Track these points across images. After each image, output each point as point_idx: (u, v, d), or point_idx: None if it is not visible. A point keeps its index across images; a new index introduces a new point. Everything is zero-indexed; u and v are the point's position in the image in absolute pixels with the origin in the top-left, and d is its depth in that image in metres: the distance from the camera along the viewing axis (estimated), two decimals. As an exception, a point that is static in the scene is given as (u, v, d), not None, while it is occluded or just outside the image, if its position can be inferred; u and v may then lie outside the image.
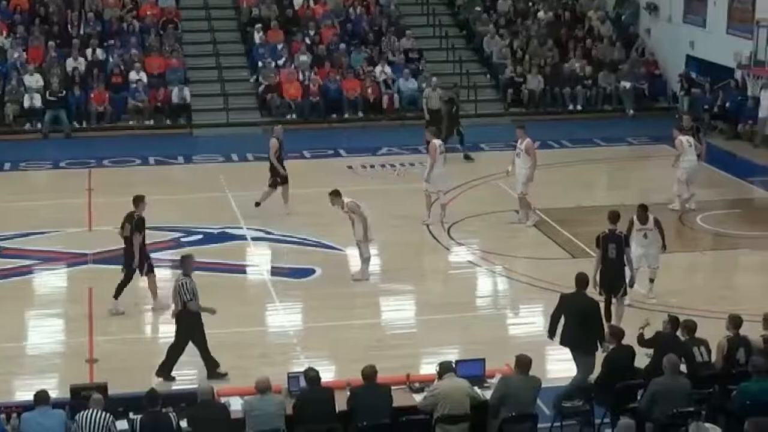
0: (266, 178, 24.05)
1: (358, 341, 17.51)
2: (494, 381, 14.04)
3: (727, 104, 31.56)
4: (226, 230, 22.99)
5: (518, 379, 13.50)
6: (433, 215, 23.36)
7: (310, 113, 32.68)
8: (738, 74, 31.24)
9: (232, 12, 36.79)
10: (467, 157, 28.65)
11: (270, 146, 24.17)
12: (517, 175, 23.17)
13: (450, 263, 21.97)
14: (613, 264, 17.68)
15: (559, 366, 16.42)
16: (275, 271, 21.01)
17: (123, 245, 18.83)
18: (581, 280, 15.60)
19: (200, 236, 22.57)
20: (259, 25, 34.71)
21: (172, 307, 16.37)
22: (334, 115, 32.90)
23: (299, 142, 30.27)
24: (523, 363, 13.50)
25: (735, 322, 14.69)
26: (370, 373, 13.39)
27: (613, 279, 17.66)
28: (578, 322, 15.10)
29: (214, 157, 29.21)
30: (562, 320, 15.33)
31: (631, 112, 33.84)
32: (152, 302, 19.00)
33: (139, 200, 18.74)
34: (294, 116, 32.53)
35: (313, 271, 20.81)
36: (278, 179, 23.96)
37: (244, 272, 21.07)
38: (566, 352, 15.59)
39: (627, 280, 17.86)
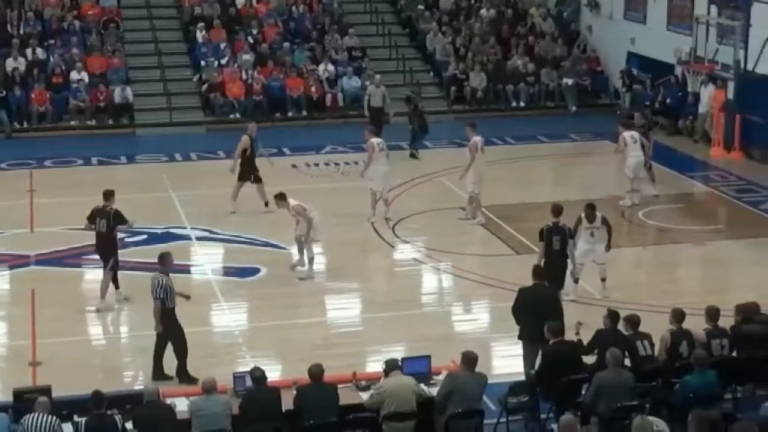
0: (210, 176, 23.96)
1: (304, 340, 17.50)
2: (440, 378, 14.07)
3: (668, 100, 31.86)
4: (171, 230, 22.86)
5: (464, 376, 13.55)
6: (378, 213, 23.38)
7: (253, 112, 32.55)
8: (678, 70, 31.52)
9: (174, 11, 36.59)
10: (413, 156, 28.70)
11: (240, 142, 24.03)
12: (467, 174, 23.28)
13: (395, 261, 22.00)
14: (557, 256, 17.94)
15: (504, 362, 16.54)
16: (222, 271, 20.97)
17: (93, 241, 18.98)
18: (535, 271, 15.80)
19: (144, 236, 22.41)
20: (201, 24, 34.56)
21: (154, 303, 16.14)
22: (278, 114, 32.82)
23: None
24: (469, 359, 13.55)
25: (678, 316, 14.84)
26: (316, 372, 13.38)
27: (557, 271, 17.85)
28: (539, 313, 15.14)
29: (157, 156, 29.05)
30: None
31: (574, 108, 34.07)
32: (98, 302, 18.87)
33: (110, 194, 18.81)
34: (237, 115, 32.41)
35: (258, 271, 20.77)
36: (253, 176, 23.89)
37: (189, 272, 20.97)
38: (512, 348, 15.68)
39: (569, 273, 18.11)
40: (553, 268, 17.71)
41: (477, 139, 23.41)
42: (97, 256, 19.33)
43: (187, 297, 16.53)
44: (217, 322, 18.83)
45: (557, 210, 18.25)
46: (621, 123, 25.19)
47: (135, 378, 16.35)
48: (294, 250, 20.81)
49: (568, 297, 18.74)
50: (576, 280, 18.81)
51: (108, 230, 18.62)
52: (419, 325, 18.34)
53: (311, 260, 20.29)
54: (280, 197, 20.34)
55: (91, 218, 18.79)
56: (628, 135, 24.15)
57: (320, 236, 20.71)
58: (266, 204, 23.47)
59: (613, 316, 14.74)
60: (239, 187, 23.91)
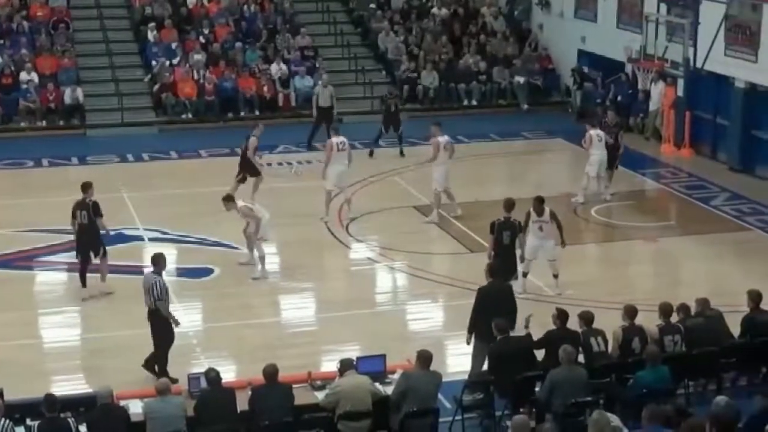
0: (162, 177, 23.84)
1: (259, 340, 17.48)
2: (395, 377, 14.11)
3: (619, 98, 32.05)
4: (123, 231, 22.70)
5: (419, 374, 13.58)
6: (332, 212, 23.40)
7: (205, 112, 32.47)
8: (629, 68, 31.73)
9: (124, 11, 36.37)
10: (371, 154, 28.74)
11: (249, 143, 24.10)
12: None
13: (349, 260, 22.02)
14: (506, 250, 18.19)
15: (459, 360, 16.57)
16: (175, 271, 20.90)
17: (75, 236, 19.30)
18: (492, 269, 15.94)
19: (96, 238, 22.27)
20: (152, 24, 34.37)
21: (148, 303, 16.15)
22: (230, 114, 32.71)
23: (195, 141, 30.17)
24: (424, 358, 13.58)
25: (630, 312, 14.96)
26: (271, 372, 13.37)
27: (507, 265, 18.03)
28: (496, 311, 15.22)
29: (109, 157, 28.85)
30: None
31: (526, 106, 34.21)
32: (100, 285, 19.44)
33: (88, 186, 19.32)
34: (189, 115, 32.31)
35: (211, 271, 20.71)
36: (247, 174, 24.04)
37: (142, 273, 20.79)
38: (467, 346, 15.71)
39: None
40: (503, 262, 17.90)
41: (440, 139, 23.57)
42: (52, 257, 19.30)
43: (177, 322, 16.38)
44: (170, 323, 18.72)
45: (509, 204, 18.51)
46: (588, 121, 25.35)
47: (88, 381, 16.22)
48: (244, 248, 20.84)
49: (517, 292, 18.88)
50: (524, 275, 18.98)
51: (89, 221, 19.05)
52: (374, 324, 18.37)
53: (262, 259, 20.31)
54: (228, 199, 20.46)
55: (73, 213, 19.22)
56: (594, 133, 24.31)
57: (270, 235, 20.69)
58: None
59: (561, 314, 14.82)
60: (258, 183, 24.07)
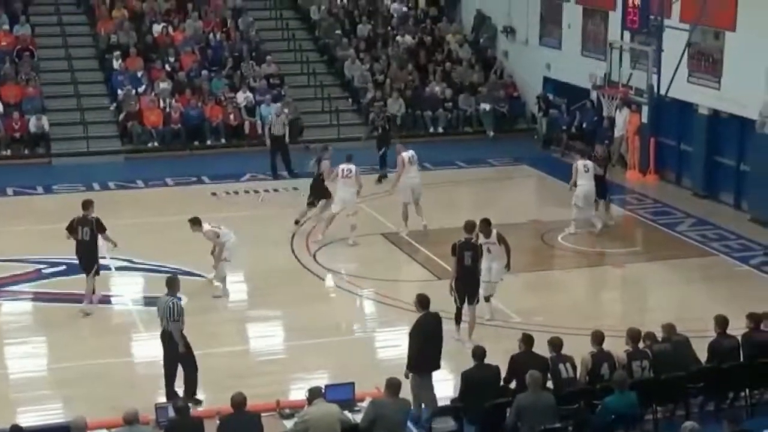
0: (129, 206, 23.76)
1: (227, 369, 17.40)
2: (364, 404, 14.08)
3: (584, 125, 32.27)
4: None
5: (388, 402, 13.56)
6: (300, 239, 23.43)
7: (171, 140, 32.42)
8: (593, 95, 31.95)
9: (89, 39, 36.30)
10: (381, 180, 28.82)
11: (323, 167, 24.35)
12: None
13: (317, 288, 21.97)
14: (468, 271, 18.20)
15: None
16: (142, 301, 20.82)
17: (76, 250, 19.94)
18: (425, 301, 15.75)
19: (63, 267, 22.11)
20: (117, 53, 34.33)
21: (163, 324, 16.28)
22: (197, 142, 32.69)
23: (162, 169, 30.09)
24: (393, 386, 13.57)
25: (598, 338, 15.02)
26: (239, 401, 13.31)
27: (469, 286, 18.21)
28: (428, 343, 15.35)
29: (75, 186, 28.68)
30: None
31: (492, 133, 34.34)
32: (84, 302, 19.90)
33: (89, 204, 20.07)
34: (155, 144, 32.26)
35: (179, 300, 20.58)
36: (316, 200, 24.37)
37: (110, 302, 20.77)
38: (436, 374, 15.70)
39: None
40: (465, 283, 18.11)
41: (404, 154, 24.44)
42: (16, 287, 19.19)
43: (187, 348, 16.41)
44: (138, 353, 18.63)
45: (469, 226, 18.60)
46: (577, 151, 25.47)
47: (55, 411, 16.10)
48: (212, 274, 20.90)
49: (485, 317, 19.01)
50: (486, 299, 19.08)
51: (92, 238, 19.73)
52: (342, 351, 18.33)
53: (223, 279, 20.54)
54: (195, 222, 20.66)
55: (71, 228, 19.86)
56: (581, 164, 24.33)
57: (233, 258, 20.78)
58: (297, 222, 24.54)
59: (526, 340, 14.85)
60: (328, 205, 24.28)
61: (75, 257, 20.73)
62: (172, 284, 16.53)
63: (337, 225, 24.64)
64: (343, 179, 23.66)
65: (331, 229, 24.29)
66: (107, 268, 21.98)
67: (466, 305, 18.32)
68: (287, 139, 29.98)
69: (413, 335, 15.54)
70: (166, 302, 16.16)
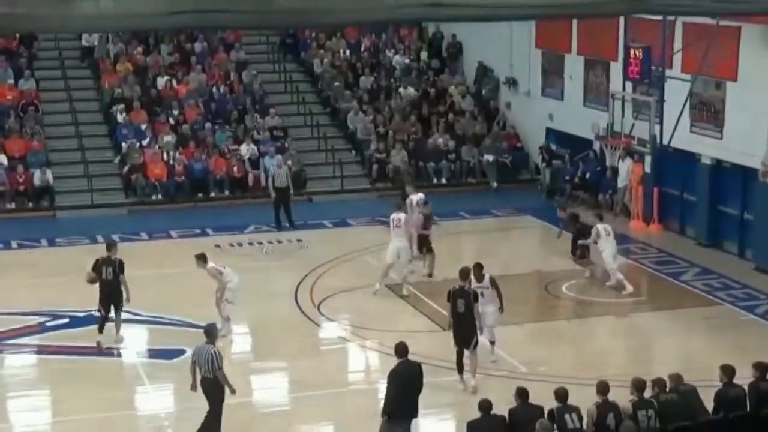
0: (132, 258, 23.74)
1: (232, 421, 17.27)
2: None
3: (587, 175, 32.34)
4: (93, 313, 22.54)
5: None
6: (305, 292, 23.43)
7: (175, 193, 32.49)
8: (596, 145, 32.02)
9: (94, 93, 36.52)
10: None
11: (418, 219, 24.91)
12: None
13: (321, 339, 21.96)
14: (462, 318, 18.41)
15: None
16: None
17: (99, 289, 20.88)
18: (401, 349, 15.86)
19: (66, 320, 22.17)
20: (121, 106, 34.50)
21: (196, 377, 16.42)
22: (200, 195, 32.77)
23: (165, 222, 30.14)
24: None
25: (603, 388, 14.94)
26: (244, 453, 13.28)
27: (464, 332, 18.38)
28: (405, 390, 15.46)
29: (78, 239, 28.74)
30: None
31: (495, 184, 34.40)
32: (115, 336, 20.90)
33: (112, 245, 21.50)
34: (159, 196, 32.34)
35: (183, 352, 20.54)
36: (425, 248, 24.79)
37: (113, 355, 20.73)
38: (440, 424, 15.65)
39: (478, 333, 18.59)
40: (459, 329, 18.40)
41: (413, 196, 25.46)
42: (17, 341, 19.25)
43: (233, 391, 16.59)
44: (142, 406, 18.60)
45: (464, 273, 18.85)
46: (595, 215, 25.30)
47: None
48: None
49: (491, 359, 19.35)
50: (491, 343, 19.42)
51: (114, 277, 20.81)
52: (347, 403, 18.28)
53: (227, 319, 20.83)
54: (201, 257, 21.24)
55: (96, 269, 20.98)
56: (601, 227, 24.27)
57: (236, 300, 20.94)
58: (430, 276, 24.73)
59: (521, 393, 14.81)
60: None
61: (78, 310, 20.76)
62: (211, 333, 16.70)
63: (339, 276, 24.68)
64: (395, 229, 23.88)
65: (334, 281, 24.31)
66: (112, 320, 21.95)
67: (466, 352, 18.39)
68: (291, 190, 30.04)
69: (390, 381, 15.70)
70: (208, 351, 16.29)
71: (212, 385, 16.24)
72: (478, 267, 19.45)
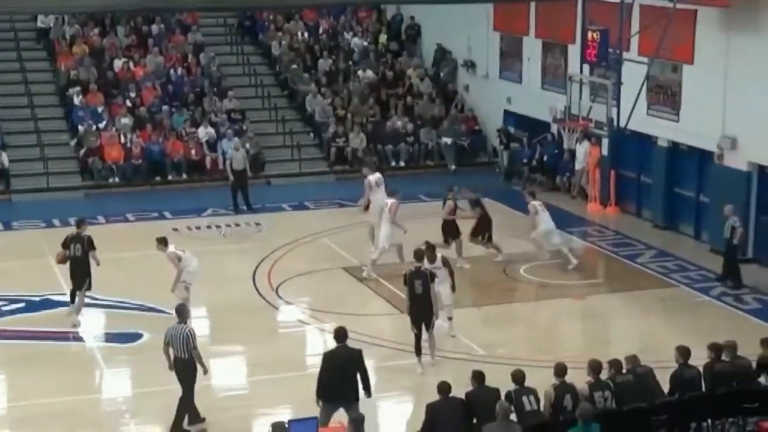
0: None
1: (190, 405, 17.29)
2: (328, 439, 14.04)
3: (545, 158, 32.44)
4: (50, 297, 22.47)
5: (351, 436, 13.52)
6: (262, 276, 23.37)
7: (132, 176, 32.32)
8: (554, 128, 32.10)
9: (49, 75, 36.21)
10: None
11: (446, 206, 24.86)
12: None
13: (279, 322, 21.96)
14: (419, 299, 18.52)
15: (392, 422, 16.53)
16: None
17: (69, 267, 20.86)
18: (340, 334, 15.90)
19: (22, 304, 22.03)
20: (78, 88, 34.24)
21: (170, 357, 16.39)
22: (158, 178, 32.61)
23: (123, 205, 29.98)
24: (357, 421, 13.53)
25: (560, 370, 15.03)
26: (202, 437, 13.25)
27: (421, 313, 18.51)
28: (342, 374, 15.50)
29: (35, 223, 28.53)
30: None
31: (453, 167, 34.44)
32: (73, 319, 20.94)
33: (83, 222, 21.51)
34: (116, 179, 32.15)
35: (140, 336, 20.51)
36: (450, 238, 24.61)
37: (69, 339, 20.62)
38: (399, 407, 15.68)
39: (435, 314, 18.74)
40: (416, 310, 18.56)
41: (370, 177, 25.67)
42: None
43: (205, 370, 16.65)
44: (101, 389, 18.53)
45: (418, 255, 19.08)
46: (528, 193, 25.63)
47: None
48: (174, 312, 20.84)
49: (451, 333, 19.76)
50: (449, 318, 19.96)
51: (83, 254, 20.75)
52: (306, 386, 18.19)
53: (186, 299, 20.35)
54: (161, 241, 21.05)
55: (65, 245, 20.94)
56: (537, 203, 24.55)
57: (194, 282, 20.78)
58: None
59: (477, 376, 14.85)
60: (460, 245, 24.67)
61: (34, 295, 20.59)
62: (183, 312, 16.66)
63: (297, 259, 24.68)
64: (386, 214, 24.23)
65: (292, 264, 24.31)
66: (68, 304, 21.84)
67: (425, 335, 18.53)
68: (248, 173, 29.95)
69: (322, 363, 15.79)
70: (182, 330, 16.28)
71: (186, 365, 16.27)
72: (431, 248, 19.64)
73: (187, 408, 16.35)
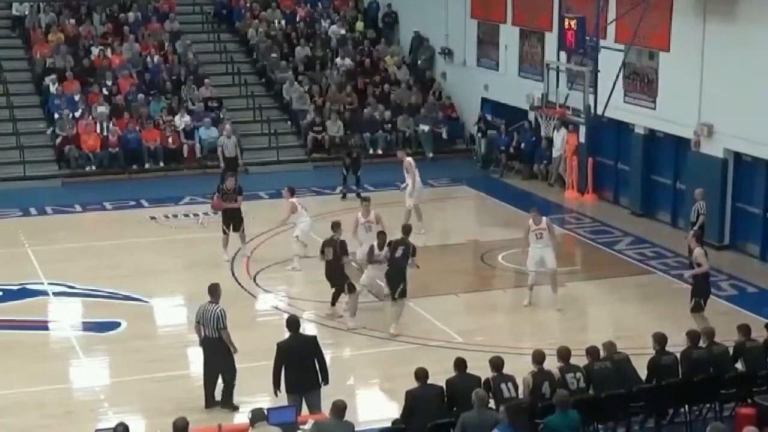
0: (67, 230, 23.57)
1: (168, 394, 17.29)
2: (307, 427, 14.03)
3: (522, 145, 32.49)
4: (26, 286, 22.39)
5: (331, 424, 13.51)
6: (240, 265, 23.34)
7: (109, 164, 32.20)
8: (531, 115, 32.15)
9: (25, 63, 36.02)
10: (358, 195, 29.09)
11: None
12: None
13: (257, 311, 21.93)
14: (397, 263, 19.64)
15: (371, 408, 16.54)
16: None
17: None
18: (292, 323, 15.93)
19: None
20: (54, 76, 34.07)
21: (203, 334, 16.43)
22: (135, 166, 32.50)
23: (99, 193, 29.88)
24: (338, 408, 13.52)
25: (538, 357, 15.08)
26: (181, 426, 13.19)
27: (394, 277, 19.57)
28: (300, 364, 15.52)
29: (11, 211, 28.40)
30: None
31: (431, 154, 34.45)
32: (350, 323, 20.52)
33: (337, 225, 20.61)
34: (93, 168, 32.03)
35: (118, 324, 20.46)
36: None
37: (47, 328, 20.56)
38: (379, 395, 15.69)
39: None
40: (391, 273, 19.68)
41: (409, 159, 26.81)
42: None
43: (235, 350, 16.71)
44: (76, 379, 18.47)
45: (406, 229, 20.68)
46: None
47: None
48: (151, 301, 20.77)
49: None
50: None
51: (335, 258, 20.25)
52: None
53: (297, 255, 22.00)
54: (290, 191, 23.96)
55: (321, 251, 20.48)
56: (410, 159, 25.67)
57: (307, 240, 22.38)
58: None
59: (458, 363, 14.87)
60: None
61: (10, 284, 20.51)
62: (215, 291, 16.64)
63: (275, 247, 24.65)
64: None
65: (269, 252, 24.31)
66: (45, 293, 21.79)
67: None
68: (240, 160, 29.97)
69: (277, 356, 15.72)
70: (213, 310, 16.30)
71: (214, 345, 16.34)
72: (383, 236, 20.54)
73: (233, 384, 16.56)
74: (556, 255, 21.47)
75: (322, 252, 20.35)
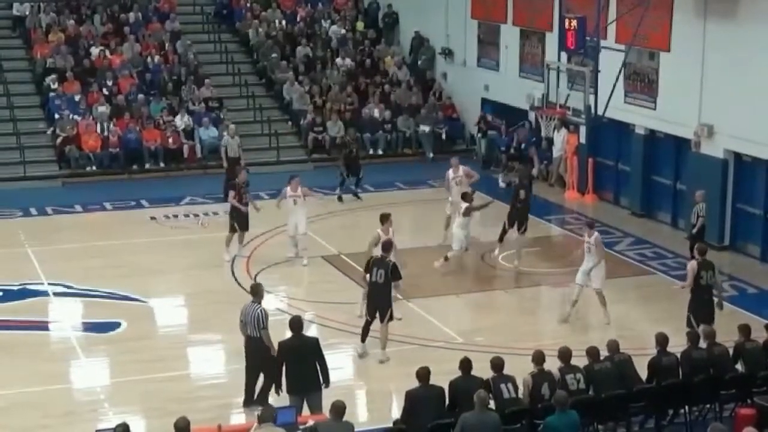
0: (67, 231, 23.57)
1: (168, 394, 17.29)
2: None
3: (523, 145, 32.46)
4: (27, 286, 22.40)
5: (331, 425, 13.51)
6: (241, 263, 23.32)
7: (110, 164, 32.21)
8: (531, 116, 32.14)
9: (26, 63, 36.02)
10: (356, 195, 29.40)
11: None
12: None
13: (258, 311, 21.89)
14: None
15: (371, 409, 16.54)
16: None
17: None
18: (295, 324, 15.88)
19: (0, 293, 21.93)
20: (54, 76, 34.07)
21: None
22: (135, 166, 32.50)
23: (100, 194, 29.87)
24: (337, 408, 13.52)
25: (538, 358, 15.08)
26: (181, 426, 13.18)
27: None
28: (302, 365, 15.52)
29: (11, 211, 28.39)
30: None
31: (431, 155, 34.46)
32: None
33: (389, 246, 19.24)
34: (94, 168, 32.03)
35: (118, 325, 20.46)
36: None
37: (47, 329, 20.56)
38: (379, 396, 15.69)
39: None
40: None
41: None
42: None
43: (274, 350, 16.42)
44: (76, 379, 18.46)
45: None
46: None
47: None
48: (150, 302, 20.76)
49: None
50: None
51: (385, 281, 18.74)
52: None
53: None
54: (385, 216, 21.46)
55: (366, 268, 19.01)
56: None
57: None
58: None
59: (463, 364, 14.87)
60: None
61: (10, 284, 20.49)
62: (258, 291, 16.68)
63: (276, 247, 24.65)
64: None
65: (270, 253, 24.32)
66: (45, 293, 21.80)
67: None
68: (242, 160, 30.00)
69: (279, 357, 15.71)
70: (255, 310, 16.31)
71: (256, 344, 16.29)
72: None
73: (271, 384, 16.30)
74: (602, 274, 20.85)
75: (368, 271, 18.84)
